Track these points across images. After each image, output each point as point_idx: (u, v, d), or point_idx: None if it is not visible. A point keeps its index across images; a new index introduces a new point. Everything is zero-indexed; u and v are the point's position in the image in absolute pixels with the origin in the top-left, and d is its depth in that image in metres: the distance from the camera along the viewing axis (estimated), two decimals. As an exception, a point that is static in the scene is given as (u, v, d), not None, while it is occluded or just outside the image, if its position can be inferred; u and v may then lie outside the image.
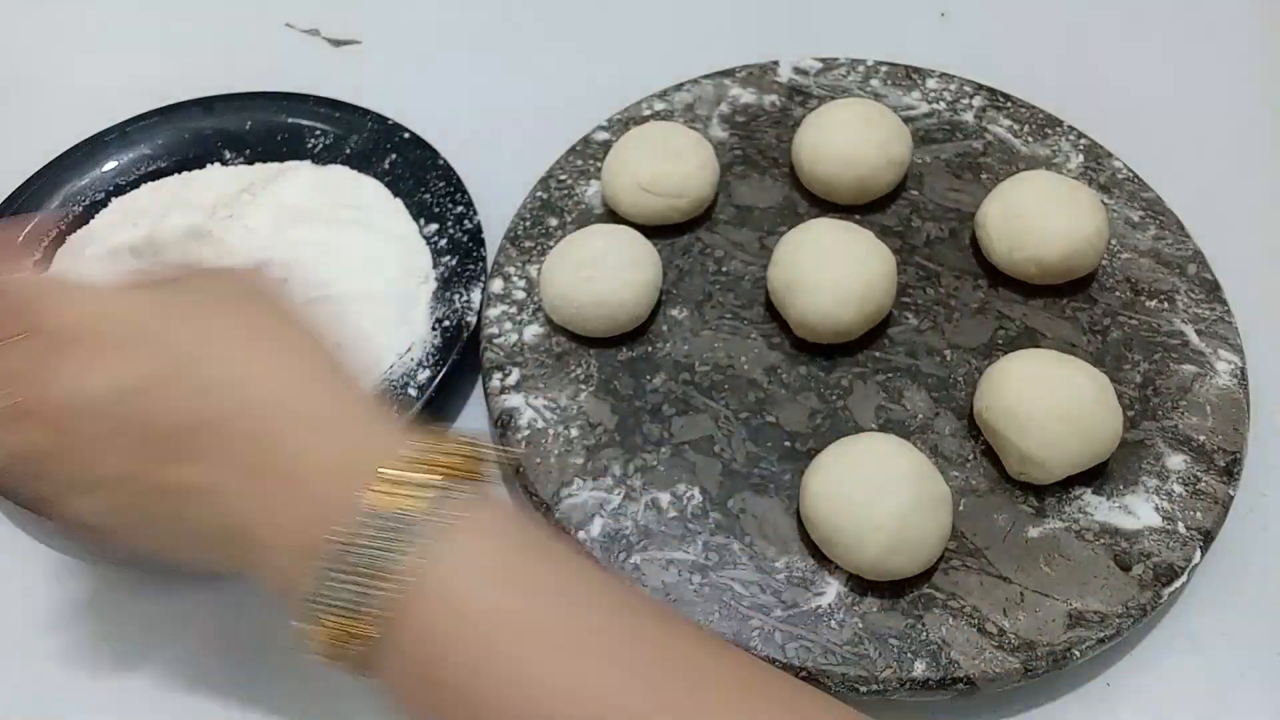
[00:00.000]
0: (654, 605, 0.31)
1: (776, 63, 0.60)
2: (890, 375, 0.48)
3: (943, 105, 0.58)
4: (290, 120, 0.58)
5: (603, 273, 0.47)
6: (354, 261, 0.54)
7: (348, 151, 0.58)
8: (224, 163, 0.58)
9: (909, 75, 0.59)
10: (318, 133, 0.58)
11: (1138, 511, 0.44)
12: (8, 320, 0.32)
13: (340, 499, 0.29)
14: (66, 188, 0.56)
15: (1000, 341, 0.49)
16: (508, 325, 0.50)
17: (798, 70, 0.60)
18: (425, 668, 0.29)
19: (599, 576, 0.31)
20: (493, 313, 0.50)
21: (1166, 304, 0.50)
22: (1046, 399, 0.43)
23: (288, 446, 0.30)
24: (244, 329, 0.33)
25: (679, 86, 0.59)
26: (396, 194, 0.56)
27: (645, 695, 0.28)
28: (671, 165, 0.52)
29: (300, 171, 0.57)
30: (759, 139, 0.57)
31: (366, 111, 0.58)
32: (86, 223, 0.55)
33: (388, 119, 0.58)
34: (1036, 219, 0.49)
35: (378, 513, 0.29)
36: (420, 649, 0.28)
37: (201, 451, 0.30)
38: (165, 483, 0.31)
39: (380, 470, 0.29)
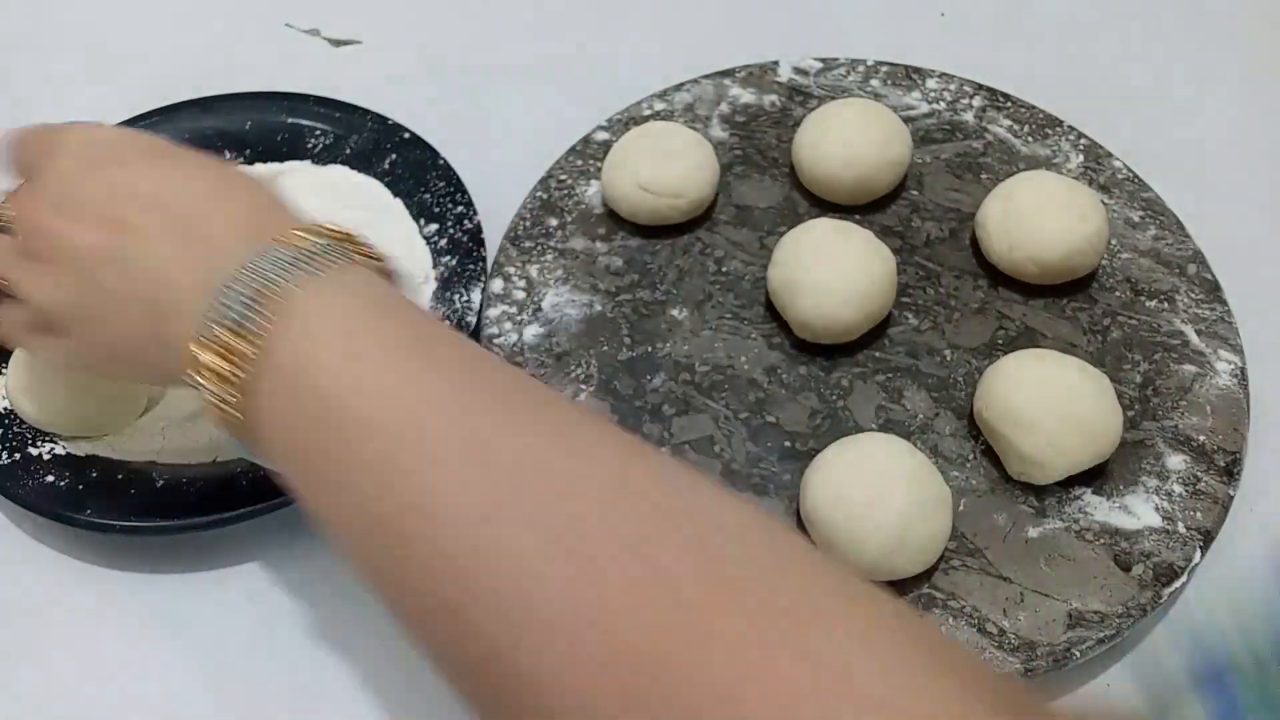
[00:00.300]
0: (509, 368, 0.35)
1: (776, 63, 0.60)
2: (890, 375, 0.48)
3: (943, 105, 0.58)
4: (290, 120, 0.58)
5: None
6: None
7: (348, 151, 0.58)
8: (224, 163, 0.58)
9: (909, 75, 0.59)
10: (318, 133, 0.58)
11: (1138, 511, 0.44)
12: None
13: (243, 248, 0.34)
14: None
15: (1000, 341, 0.49)
16: (508, 325, 0.50)
17: (798, 70, 0.60)
18: (290, 397, 0.32)
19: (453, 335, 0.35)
20: (493, 313, 0.50)
21: (1166, 304, 0.50)
22: (1047, 399, 0.43)
23: (200, 218, 0.35)
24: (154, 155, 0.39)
25: (679, 86, 0.59)
26: (396, 194, 0.56)
27: (457, 395, 0.31)
28: (671, 165, 0.52)
29: (300, 172, 0.57)
30: (759, 139, 0.57)
31: (366, 111, 0.58)
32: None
33: (388, 119, 0.58)
34: (1036, 219, 0.49)
35: (272, 249, 0.33)
36: (286, 375, 0.32)
37: (133, 225, 0.36)
38: (108, 249, 0.36)
39: (284, 230, 0.34)
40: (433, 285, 0.52)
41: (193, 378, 0.33)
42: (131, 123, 0.58)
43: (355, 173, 0.57)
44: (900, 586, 0.42)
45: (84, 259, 0.36)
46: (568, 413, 0.32)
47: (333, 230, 0.35)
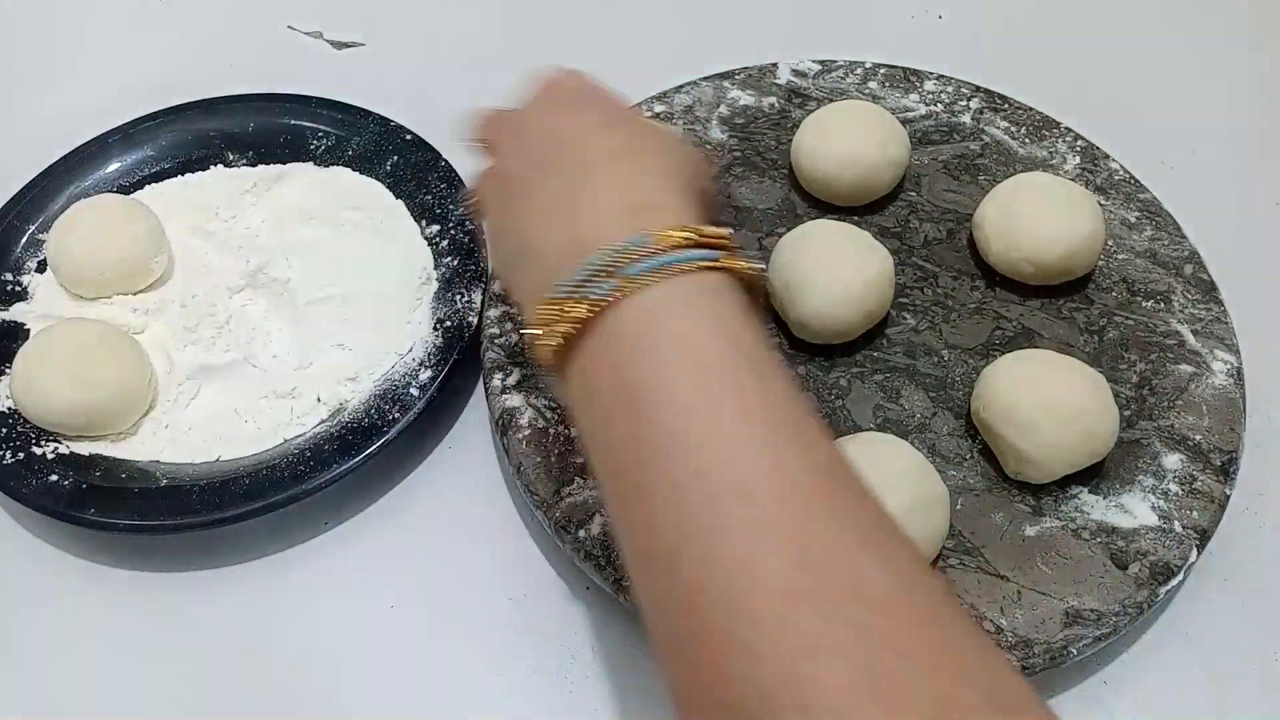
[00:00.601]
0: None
1: (775, 65, 0.60)
2: (888, 375, 0.49)
3: (940, 107, 0.58)
4: (293, 122, 0.59)
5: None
6: (356, 262, 0.54)
7: (350, 153, 0.58)
8: (227, 164, 0.58)
9: (907, 77, 0.59)
10: (320, 134, 0.59)
11: (1134, 510, 0.44)
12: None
13: (616, 226, 0.34)
14: (70, 189, 0.56)
15: (997, 342, 0.50)
16: (509, 325, 0.50)
17: (796, 72, 0.60)
18: (609, 369, 0.32)
19: (793, 383, 0.33)
20: (494, 313, 0.50)
21: (1163, 304, 0.50)
22: (1043, 399, 0.43)
23: (596, 186, 0.36)
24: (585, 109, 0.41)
25: (678, 88, 0.59)
26: (398, 195, 0.56)
27: (789, 470, 0.29)
28: None
29: (303, 173, 0.57)
30: (758, 141, 0.57)
31: (369, 113, 0.59)
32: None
33: (390, 120, 0.58)
34: (1034, 220, 0.49)
35: (639, 235, 0.33)
36: (610, 347, 0.32)
37: (552, 168, 0.37)
38: (522, 183, 0.38)
39: (660, 224, 0.33)
40: (434, 286, 0.53)
41: (530, 317, 0.35)
42: (135, 124, 0.58)
43: (357, 174, 0.57)
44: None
45: (509, 183, 0.39)
46: (878, 515, 0.29)
47: (709, 235, 0.34)
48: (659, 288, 0.32)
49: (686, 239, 0.33)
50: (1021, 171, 0.54)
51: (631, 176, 0.36)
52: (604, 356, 0.32)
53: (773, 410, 0.30)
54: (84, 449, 0.48)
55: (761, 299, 0.37)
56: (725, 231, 0.34)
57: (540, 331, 0.34)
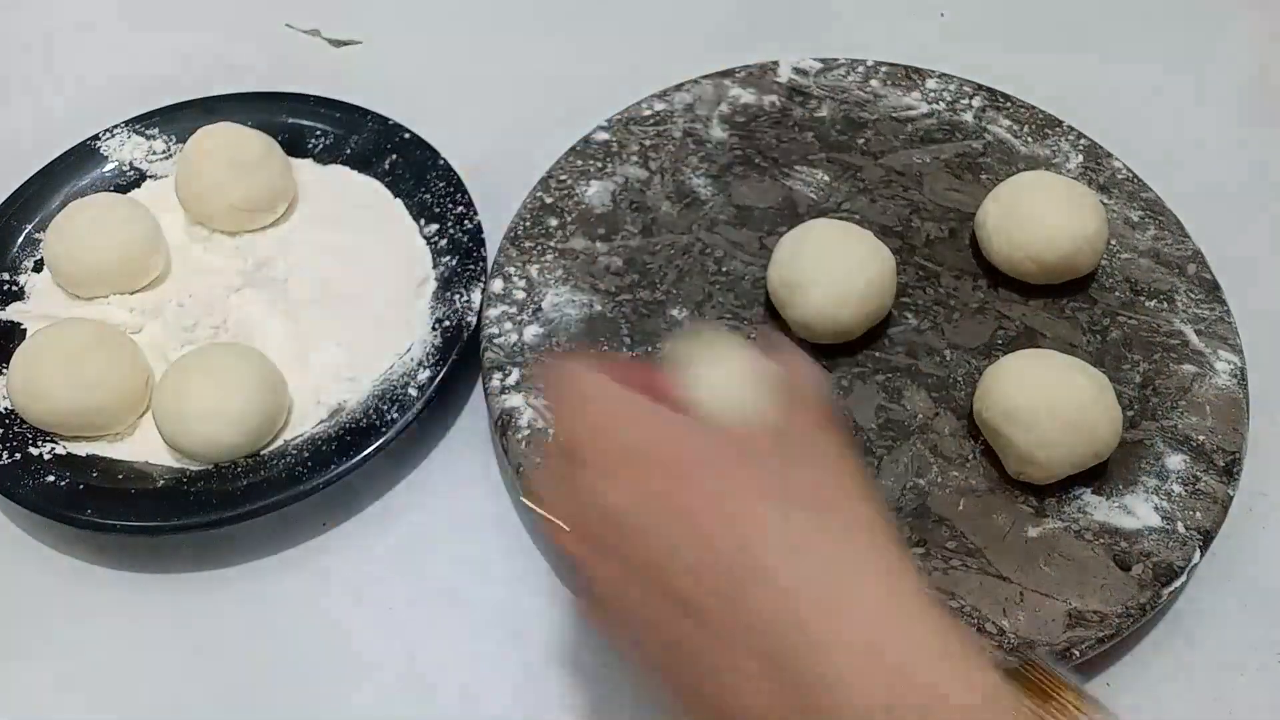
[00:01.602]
0: None
1: (776, 63, 0.60)
2: (890, 375, 0.48)
3: (942, 105, 0.58)
4: (291, 120, 0.58)
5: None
6: (355, 261, 0.54)
7: (348, 152, 0.58)
8: (225, 163, 0.58)
9: (908, 75, 0.59)
10: (318, 133, 0.58)
11: (1137, 511, 0.44)
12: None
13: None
14: (67, 188, 0.56)
15: (1000, 341, 0.49)
16: (508, 325, 0.50)
17: (797, 70, 0.60)
18: None
19: None
20: (493, 313, 0.50)
21: (1166, 304, 0.50)
22: (1046, 399, 0.43)
23: (819, 665, 0.26)
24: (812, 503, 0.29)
25: (679, 87, 0.59)
26: (397, 194, 0.56)
27: None
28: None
29: (301, 172, 0.57)
30: (759, 139, 0.57)
31: (367, 112, 0.59)
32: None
33: (388, 119, 0.58)
34: (1036, 219, 0.49)
35: None
36: None
37: (715, 623, 0.28)
38: (673, 632, 0.29)
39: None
40: (433, 285, 0.52)
41: None
42: (134, 123, 0.58)
43: (356, 173, 0.57)
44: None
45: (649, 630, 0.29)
46: None
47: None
48: None
49: None
50: (1024, 170, 0.54)
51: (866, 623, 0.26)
52: None
53: None
54: (81, 449, 0.47)
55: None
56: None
57: None
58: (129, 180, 0.57)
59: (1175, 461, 0.45)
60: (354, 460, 0.46)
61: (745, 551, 0.28)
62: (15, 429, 0.48)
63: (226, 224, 0.54)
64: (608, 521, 0.30)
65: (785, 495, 0.29)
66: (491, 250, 0.53)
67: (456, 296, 0.51)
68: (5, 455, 0.47)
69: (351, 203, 0.56)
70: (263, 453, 0.47)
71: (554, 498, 0.33)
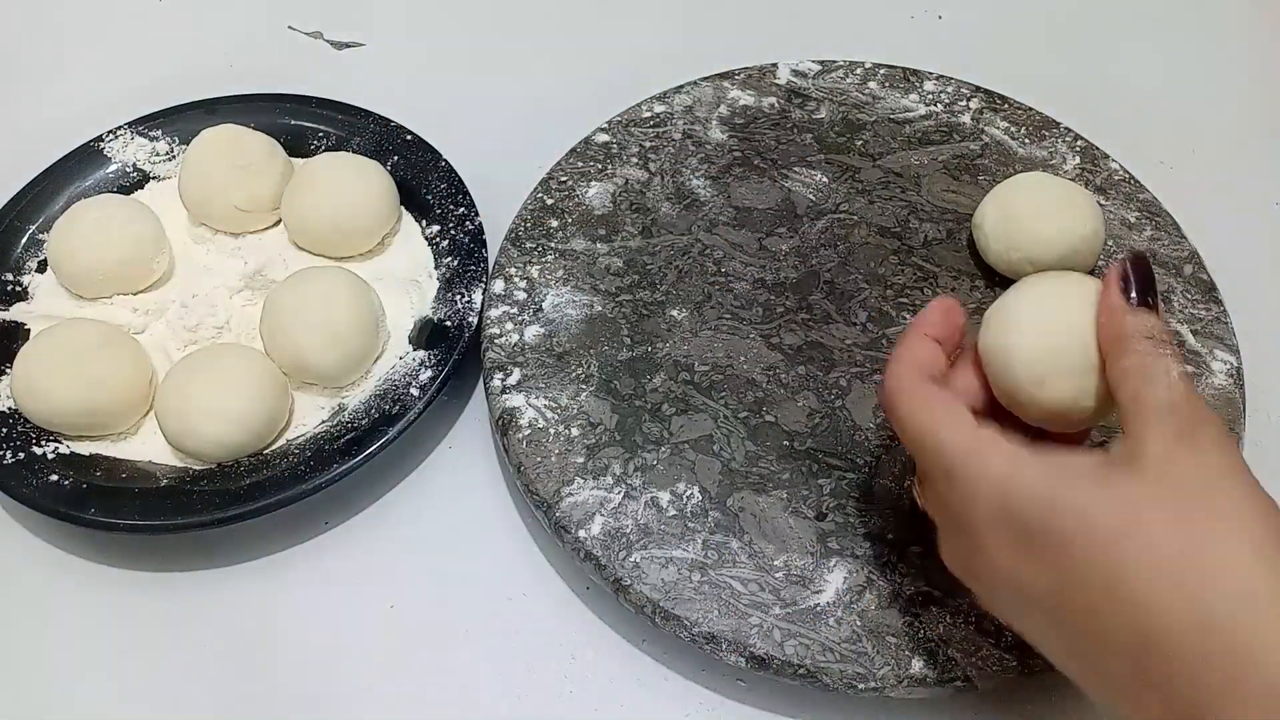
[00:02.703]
0: None
1: (775, 65, 0.60)
2: (888, 375, 0.49)
3: (940, 107, 0.58)
4: (293, 122, 0.59)
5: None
6: (355, 263, 0.54)
7: (350, 153, 0.58)
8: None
9: (906, 77, 0.59)
10: (320, 134, 0.59)
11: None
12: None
13: None
14: (70, 189, 0.56)
15: (998, 342, 0.50)
16: (509, 326, 0.50)
17: (796, 72, 0.60)
18: None
19: None
20: (494, 313, 0.50)
21: (1163, 304, 0.50)
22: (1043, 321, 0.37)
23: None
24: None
25: (678, 88, 0.59)
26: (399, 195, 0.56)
27: None
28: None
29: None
30: (758, 141, 0.57)
31: (369, 113, 0.59)
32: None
33: (390, 121, 0.58)
34: (1033, 220, 0.49)
35: None
36: None
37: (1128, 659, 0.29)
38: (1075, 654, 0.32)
39: None
40: (434, 285, 0.53)
41: None
42: (137, 124, 0.58)
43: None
44: (898, 583, 0.42)
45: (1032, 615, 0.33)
46: None
47: None
48: None
49: None
50: (1021, 171, 0.54)
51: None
52: None
53: None
54: (84, 449, 0.48)
55: None
56: None
57: None
58: (132, 181, 0.57)
59: (1172, 461, 0.45)
60: (356, 460, 0.46)
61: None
62: (19, 429, 0.48)
63: (230, 225, 0.54)
64: (1029, 600, 0.32)
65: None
66: (492, 251, 0.53)
67: (458, 297, 0.52)
68: (9, 455, 0.47)
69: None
70: (265, 452, 0.47)
71: (963, 573, 0.36)
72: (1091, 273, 0.51)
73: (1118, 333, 0.33)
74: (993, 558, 0.33)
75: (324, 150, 0.58)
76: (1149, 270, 0.35)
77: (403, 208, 0.56)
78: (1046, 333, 0.36)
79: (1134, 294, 0.34)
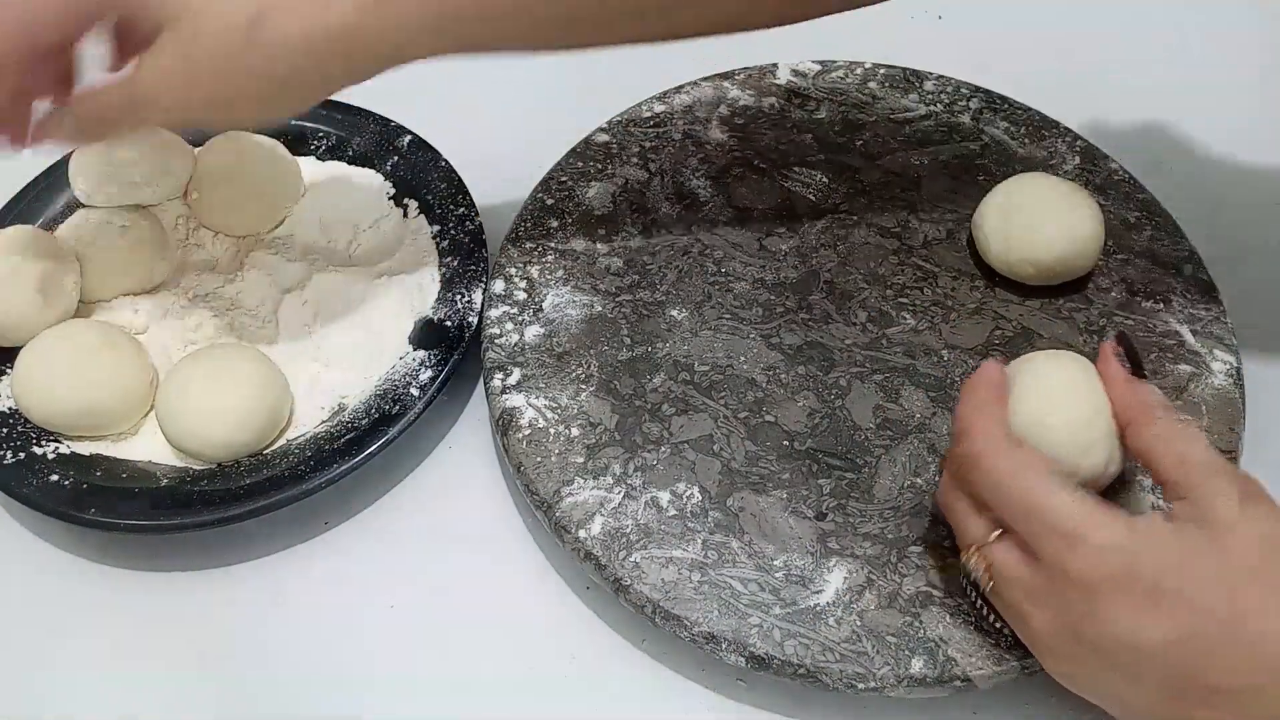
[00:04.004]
0: None
1: (775, 65, 0.60)
2: (888, 375, 0.49)
3: (940, 107, 0.58)
4: (293, 122, 0.59)
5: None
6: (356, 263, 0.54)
7: (350, 153, 0.58)
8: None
9: (906, 78, 0.59)
10: (320, 134, 0.59)
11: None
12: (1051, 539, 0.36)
13: None
14: (70, 189, 0.56)
15: (997, 342, 0.50)
16: (509, 326, 0.50)
17: (796, 72, 0.60)
18: None
19: None
20: (494, 313, 0.50)
21: (1162, 304, 0.50)
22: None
23: None
24: None
25: (678, 88, 0.59)
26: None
27: None
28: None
29: (304, 169, 0.57)
30: (757, 141, 0.57)
31: (369, 113, 0.59)
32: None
33: (390, 120, 0.58)
34: (1033, 220, 0.49)
35: None
36: None
37: (1236, 707, 0.33)
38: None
39: None
40: (435, 286, 0.53)
41: None
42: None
43: (357, 169, 0.57)
44: (898, 583, 0.42)
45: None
46: None
47: None
48: None
49: None
50: (1021, 171, 0.54)
51: None
52: None
53: None
54: (85, 449, 0.48)
55: None
56: None
57: None
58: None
59: (1171, 461, 0.45)
60: (356, 460, 0.46)
61: None
62: (19, 429, 0.48)
63: (233, 228, 0.54)
64: (1144, 654, 0.34)
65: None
66: (492, 251, 0.53)
67: (458, 297, 0.52)
68: (10, 455, 0.47)
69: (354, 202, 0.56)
70: (265, 452, 0.47)
71: (1063, 632, 0.36)
72: (1090, 274, 0.51)
73: (1136, 401, 0.38)
74: (1111, 617, 0.34)
75: (323, 150, 0.58)
76: (1135, 345, 0.40)
77: (408, 203, 0.56)
78: (1085, 406, 0.40)
79: (1130, 368, 0.39)
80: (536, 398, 0.48)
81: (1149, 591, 0.34)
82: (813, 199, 0.55)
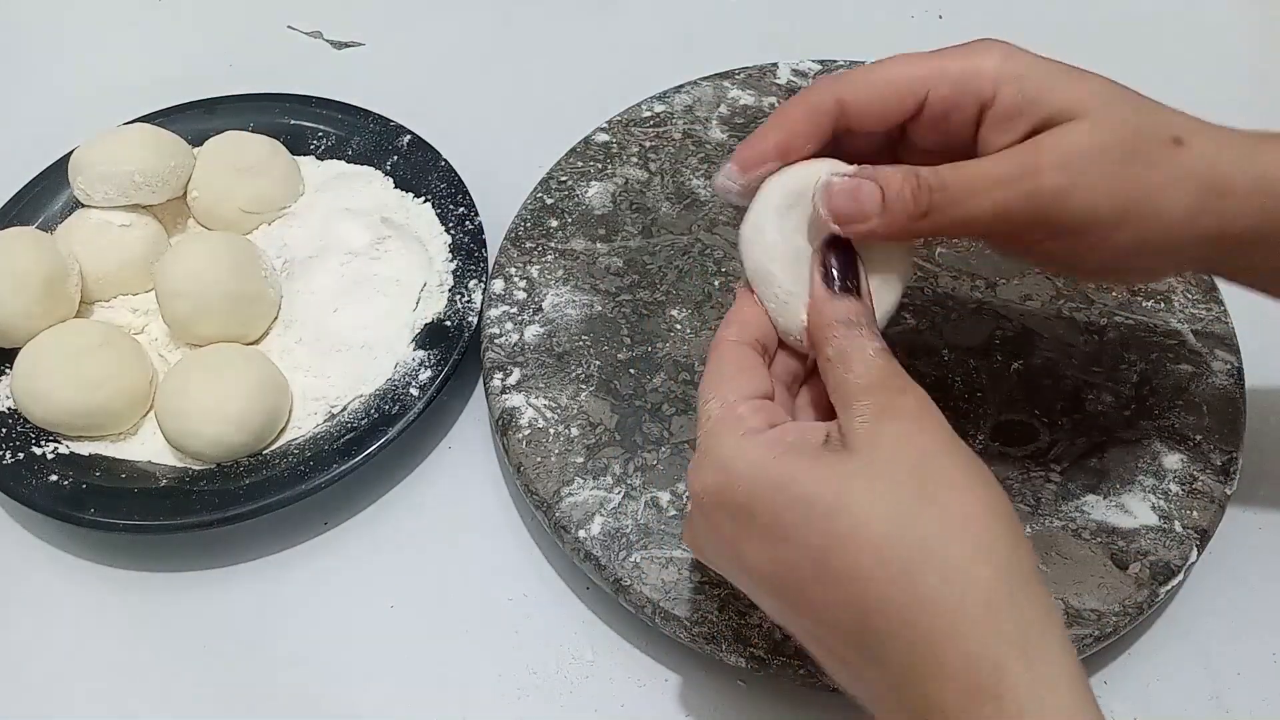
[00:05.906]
0: None
1: (775, 65, 0.60)
2: (888, 375, 0.49)
3: (941, 107, 0.58)
4: (293, 122, 0.59)
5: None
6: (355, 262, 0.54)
7: (350, 153, 0.58)
8: (227, 164, 0.58)
9: (907, 77, 0.59)
10: (320, 134, 0.59)
11: (1134, 510, 0.44)
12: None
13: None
14: (70, 189, 0.56)
15: (997, 341, 0.50)
16: (509, 325, 0.50)
17: (796, 72, 0.60)
18: None
19: None
20: (494, 313, 0.50)
21: (1163, 304, 0.50)
22: None
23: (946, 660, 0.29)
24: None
25: (678, 88, 0.59)
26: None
27: None
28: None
29: (304, 168, 0.57)
30: (758, 140, 0.57)
31: (369, 113, 0.59)
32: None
33: (390, 120, 0.58)
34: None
35: None
36: None
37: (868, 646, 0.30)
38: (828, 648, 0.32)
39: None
40: (435, 286, 0.53)
41: None
42: (135, 124, 0.58)
43: (357, 168, 0.57)
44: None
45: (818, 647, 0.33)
46: None
47: None
48: None
49: None
50: (1022, 171, 0.54)
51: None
52: None
53: None
54: (84, 449, 0.48)
55: None
56: None
57: None
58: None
59: (1172, 461, 0.45)
60: (355, 460, 0.46)
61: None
62: (18, 429, 0.48)
63: (234, 228, 0.54)
64: (756, 581, 0.32)
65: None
66: (492, 251, 0.53)
67: (458, 297, 0.52)
68: (9, 455, 0.47)
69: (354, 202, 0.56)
70: (265, 452, 0.47)
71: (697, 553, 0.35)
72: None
73: (819, 322, 0.35)
74: (718, 537, 0.33)
75: (323, 150, 0.58)
76: (848, 253, 0.36)
77: (413, 199, 0.56)
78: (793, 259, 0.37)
79: (836, 282, 0.35)
80: (536, 398, 0.48)
81: (740, 511, 0.31)
82: (813, 199, 0.55)
